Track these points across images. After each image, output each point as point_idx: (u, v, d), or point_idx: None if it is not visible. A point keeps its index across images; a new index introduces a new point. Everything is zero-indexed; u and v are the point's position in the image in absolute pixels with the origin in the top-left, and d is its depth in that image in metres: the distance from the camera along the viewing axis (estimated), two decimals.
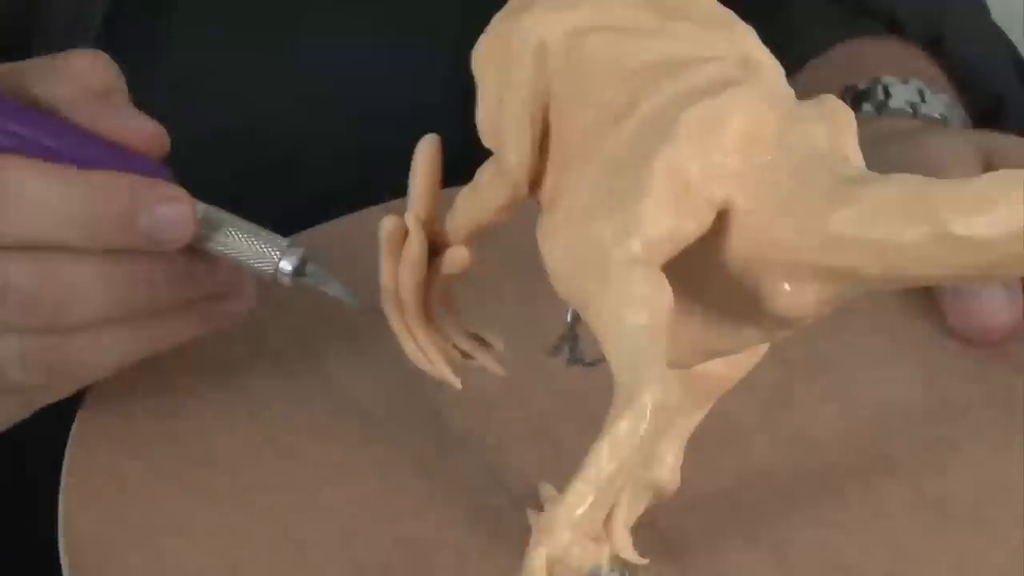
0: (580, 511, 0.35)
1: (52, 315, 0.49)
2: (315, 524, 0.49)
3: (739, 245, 0.39)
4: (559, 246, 0.39)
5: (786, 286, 0.38)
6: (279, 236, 0.53)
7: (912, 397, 0.58)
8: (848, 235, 0.37)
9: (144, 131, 0.52)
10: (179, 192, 0.51)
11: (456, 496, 0.51)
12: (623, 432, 0.35)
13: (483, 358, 0.51)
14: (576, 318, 0.48)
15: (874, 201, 0.36)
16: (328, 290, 0.53)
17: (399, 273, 0.48)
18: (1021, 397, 0.57)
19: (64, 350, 0.51)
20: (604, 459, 0.35)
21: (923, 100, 0.69)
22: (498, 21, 0.44)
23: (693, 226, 0.38)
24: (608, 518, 0.36)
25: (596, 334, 0.37)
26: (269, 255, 0.52)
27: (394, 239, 0.48)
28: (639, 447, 0.35)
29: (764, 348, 0.45)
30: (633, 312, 0.37)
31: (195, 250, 0.52)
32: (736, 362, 0.46)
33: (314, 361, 0.57)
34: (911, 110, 0.68)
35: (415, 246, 0.47)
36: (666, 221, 0.38)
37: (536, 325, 0.49)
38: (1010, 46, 0.77)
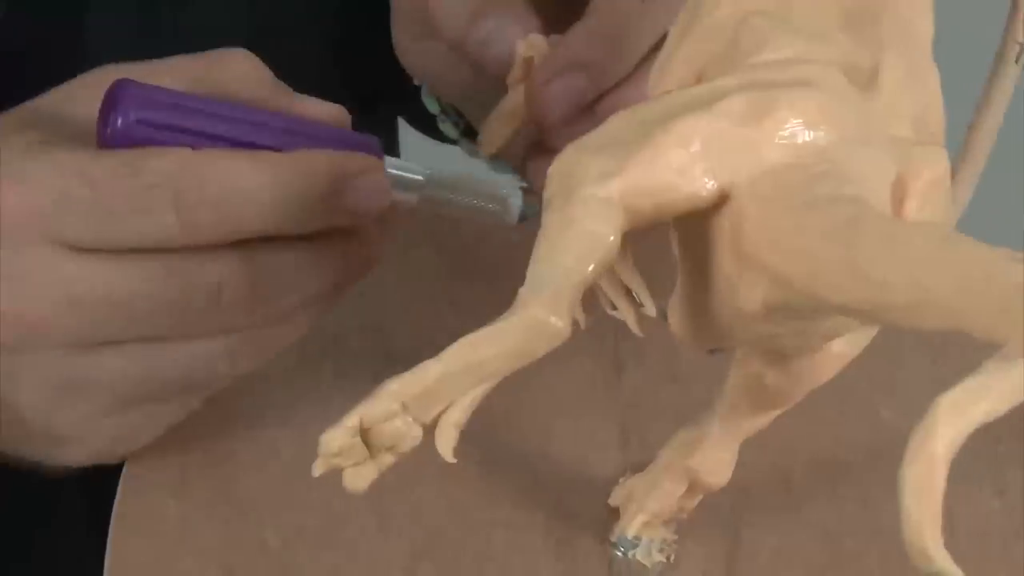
0: (414, 389, 0.36)
1: (265, 308, 0.49)
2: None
3: (727, 229, 0.38)
4: (557, 162, 0.39)
5: (746, 277, 0.38)
6: (507, 175, 0.55)
7: None
8: (786, 240, 0.36)
9: (326, 111, 0.52)
10: (372, 161, 0.50)
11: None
12: (488, 335, 0.36)
13: (626, 313, 0.51)
14: None
15: (822, 216, 0.36)
16: None
17: None
18: None
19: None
20: (459, 352, 0.36)
21: None
22: None
23: (683, 193, 0.38)
24: (444, 413, 0.37)
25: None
26: (502, 194, 0.54)
27: None
28: (498, 357, 0.36)
29: (827, 371, 0.44)
30: (566, 242, 0.37)
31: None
32: (796, 379, 0.45)
33: None
34: None
35: None
36: (655, 176, 0.38)
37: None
38: None
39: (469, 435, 0.37)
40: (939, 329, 0.33)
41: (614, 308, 0.52)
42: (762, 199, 0.38)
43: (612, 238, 0.38)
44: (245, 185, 0.47)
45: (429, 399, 0.37)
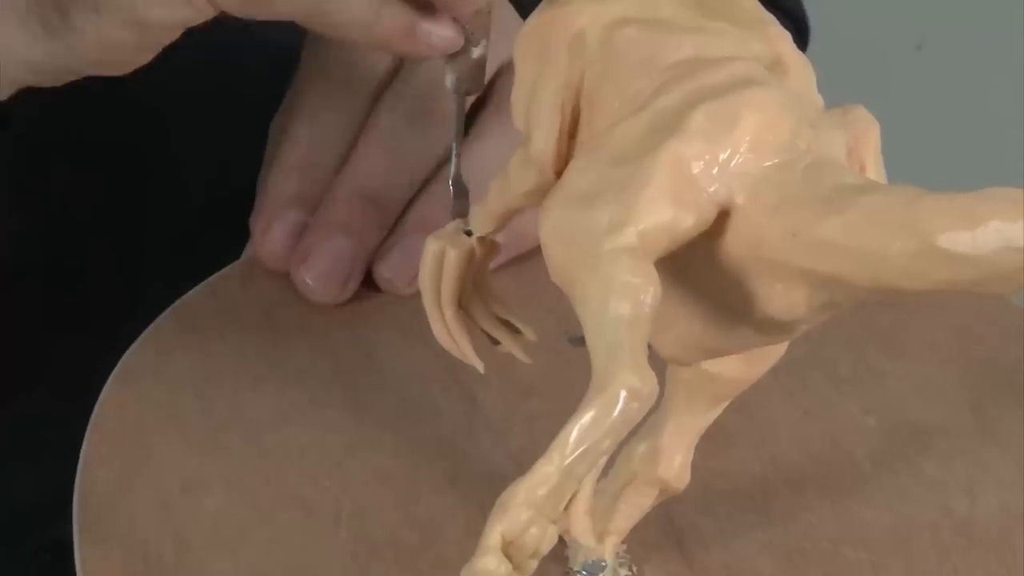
0: (541, 492, 0.35)
1: None
2: (331, 494, 0.50)
3: (737, 244, 0.39)
4: (553, 227, 0.39)
5: (779, 288, 0.38)
6: None
7: (955, 419, 0.58)
8: (836, 242, 0.36)
9: None
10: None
11: (477, 479, 0.52)
12: (592, 419, 0.35)
13: (510, 345, 0.51)
14: None
15: (865, 209, 0.36)
16: None
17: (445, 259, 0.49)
18: None
19: None
20: (570, 444, 0.35)
21: None
22: (541, 10, 0.45)
23: (691, 221, 0.38)
24: (570, 503, 0.36)
25: (580, 319, 0.37)
26: None
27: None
28: (607, 435, 0.35)
29: (779, 351, 0.45)
30: (617, 301, 0.37)
31: None
32: (751, 364, 0.45)
33: (358, 338, 0.58)
34: None
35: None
36: (664, 213, 0.38)
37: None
38: None
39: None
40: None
41: (496, 343, 0.52)
42: (772, 208, 0.38)
43: (652, 282, 0.37)
44: None
45: (555, 498, 0.36)
